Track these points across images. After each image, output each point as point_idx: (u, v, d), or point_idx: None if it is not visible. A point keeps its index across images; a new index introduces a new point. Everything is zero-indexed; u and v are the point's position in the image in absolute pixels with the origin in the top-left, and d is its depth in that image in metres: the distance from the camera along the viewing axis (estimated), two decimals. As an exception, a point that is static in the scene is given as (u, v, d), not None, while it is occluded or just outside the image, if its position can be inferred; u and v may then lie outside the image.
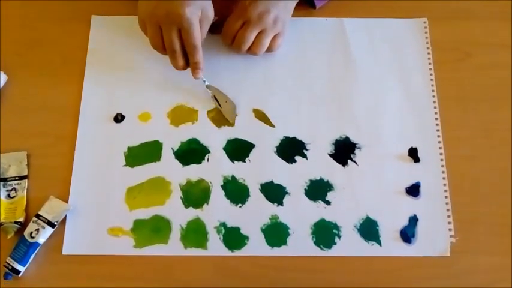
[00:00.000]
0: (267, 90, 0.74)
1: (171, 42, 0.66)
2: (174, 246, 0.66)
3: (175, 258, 0.66)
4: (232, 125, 0.72)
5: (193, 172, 0.70)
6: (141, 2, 0.67)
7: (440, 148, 0.71)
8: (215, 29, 0.73)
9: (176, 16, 0.63)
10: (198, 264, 0.65)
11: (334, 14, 0.78)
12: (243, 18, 0.71)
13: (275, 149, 0.71)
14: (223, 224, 0.67)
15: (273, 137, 0.72)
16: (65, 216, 0.67)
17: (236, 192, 0.69)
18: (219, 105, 0.72)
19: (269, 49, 0.73)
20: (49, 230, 0.65)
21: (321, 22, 0.77)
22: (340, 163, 0.70)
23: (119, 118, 0.72)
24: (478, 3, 0.79)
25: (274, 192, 0.69)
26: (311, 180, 0.69)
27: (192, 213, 0.68)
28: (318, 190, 0.69)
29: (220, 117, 0.73)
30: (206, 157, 0.70)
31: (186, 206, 0.68)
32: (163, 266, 0.65)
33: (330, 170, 0.70)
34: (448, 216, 0.67)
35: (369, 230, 0.67)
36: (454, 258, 0.66)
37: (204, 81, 0.72)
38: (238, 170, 0.70)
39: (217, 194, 0.69)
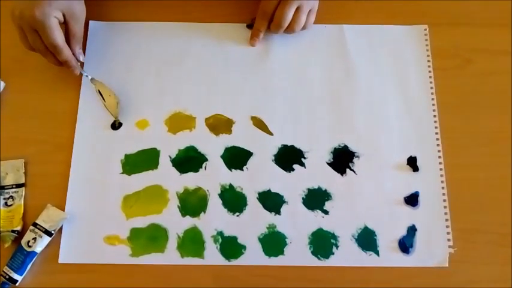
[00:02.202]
0: (265, 98, 0.73)
1: (33, 42, 0.67)
2: (170, 255, 0.66)
3: (171, 267, 0.65)
4: (116, 117, 0.72)
5: (190, 180, 0.69)
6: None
7: (439, 157, 0.70)
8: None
9: (28, 18, 0.65)
10: (195, 273, 0.65)
11: (334, 21, 0.77)
12: None
13: (273, 157, 0.70)
14: (220, 233, 0.67)
15: (271, 145, 0.71)
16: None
17: (233, 200, 0.68)
18: (103, 99, 0.72)
19: (303, 26, 0.73)
20: (46, 239, 0.65)
21: (320, 29, 0.76)
22: (338, 172, 0.70)
23: (116, 125, 0.72)
24: (479, 9, 0.78)
25: (271, 201, 0.68)
26: (309, 189, 0.69)
27: (189, 221, 0.67)
28: (315, 199, 0.68)
29: (219, 125, 0.72)
30: (203, 165, 0.70)
31: (183, 215, 0.68)
32: (159, 275, 0.65)
33: (328, 179, 0.69)
34: (447, 227, 0.67)
35: (367, 240, 0.67)
36: (452, 268, 0.65)
37: (87, 76, 0.73)
38: (236, 178, 0.69)
39: (215, 203, 0.68)
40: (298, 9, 0.71)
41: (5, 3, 0.78)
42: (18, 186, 0.68)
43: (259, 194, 0.69)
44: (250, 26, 0.76)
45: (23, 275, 0.64)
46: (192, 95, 0.73)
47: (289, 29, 0.73)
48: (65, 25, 0.69)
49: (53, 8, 0.65)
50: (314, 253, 0.66)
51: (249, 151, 0.71)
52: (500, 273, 0.66)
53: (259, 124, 0.72)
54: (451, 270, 0.65)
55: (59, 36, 0.67)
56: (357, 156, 0.70)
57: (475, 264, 0.66)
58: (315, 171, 0.70)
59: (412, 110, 0.73)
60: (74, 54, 0.70)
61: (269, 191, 0.69)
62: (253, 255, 0.66)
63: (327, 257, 0.66)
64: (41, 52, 0.69)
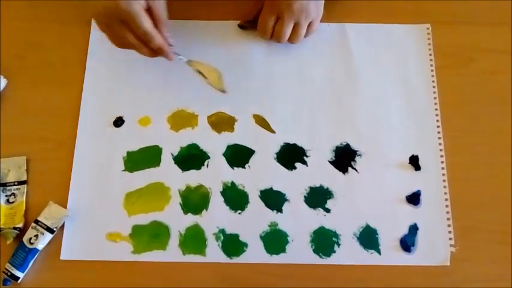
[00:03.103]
0: (267, 96, 0.73)
1: (124, 36, 0.64)
2: (172, 253, 0.66)
3: (173, 264, 0.66)
4: (222, 91, 0.71)
5: (192, 178, 0.69)
6: (87, 3, 0.65)
7: (441, 156, 0.70)
8: (249, 24, 0.76)
9: (114, 11, 0.61)
10: (196, 271, 0.65)
11: (337, 19, 0.77)
12: (275, 12, 0.71)
13: (275, 156, 0.70)
14: (222, 231, 0.67)
15: (273, 143, 0.71)
16: (64, 221, 0.67)
17: (235, 198, 0.68)
18: (205, 77, 0.71)
19: (305, 35, 0.74)
20: (48, 236, 0.65)
21: (323, 27, 0.76)
22: (340, 170, 0.70)
23: (118, 122, 0.72)
24: (481, 8, 0.78)
25: (273, 199, 0.68)
26: (311, 188, 0.69)
27: (191, 219, 0.67)
28: (317, 197, 0.68)
29: (221, 122, 0.72)
30: (206, 163, 0.70)
31: (185, 212, 0.68)
32: (161, 272, 0.65)
33: (330, 177, 0.69)
34: (449, 226, 0.67)
35: (368, 238, 0.67)
36: (454, 267, 0.65)
37: (181, 59, 0.70)
38: (238, 176, 0.69)
39: (217, 200, 0.68)
40: (296, 25, 0.72)
41: (5, 3, 0.78)
42: (20, 183, 0.68)
43: (261, 192, 0.69)
44: (242, 27, 0.77)
45: (25, 272, 0.64)
46: (194, 92, 0.73)
47: (289, 42, 0.74)
48: (148, 12, 0.64)
49: None
50: (316, 251, 0.66)
51: (251, 149, 0.71)
52: (501, 271, 0.66)
53: (262, 122, 0.72)
54: (453, 269, 0.65)
55: (148, 22, 0.63)
56: (359, 155, 0.70)
57: (477, 262, 0.66)
58: (317, 170, 0.70)
59: (414, 109, 0.73)
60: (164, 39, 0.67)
61: (271, 189, 0.69)
62: (255, 253, 0.66)
63: (329, 255, 0.66)
64: (133, 45, 0.65)
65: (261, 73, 0.75)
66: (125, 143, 0.71)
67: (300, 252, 0.66)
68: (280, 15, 0.71)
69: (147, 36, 0.64)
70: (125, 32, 0.63)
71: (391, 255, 0.66)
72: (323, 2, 0.72)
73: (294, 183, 0.69)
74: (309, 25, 0.73)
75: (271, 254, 0.66)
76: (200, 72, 0.71)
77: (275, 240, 0.67)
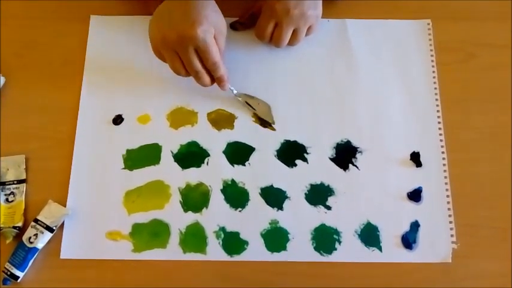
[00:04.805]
0: (267, 93, 0.73)
1: (191, 64, 0.65)
2: (172, 251, 0.66)
3: (174, 262, 0.65)
4: (273, 123, 0.71)
5: (192, 176, 0.69)
6: (150, 30, 0.66)
7: (443, 152, 0.70)
8: (241, 25, 0.76)
9: (190, 38, 0.62)
10: (197, 269, 0.65)
11: (337, 15, 0.77)
12: (274, 19, 0.71)
13: (275, 153, 0.70)
14: (223, 229, 0.67)
15: (273, 140, 0.71)
16: (63, 220, 0.66)
17: (236, 196, 0.68)
18: (254, 109, 0.72)
19: (305, 36, 0.74)
20: (48, 235, 0.64)
21: (323, 23, 0.76)
22: (341, 167, 0.69)
23: (118, 120, 0.72)
24: (482, 3, 0.78)
25: (274, 197, 0.68)
26: (311, 185, 0.69)
27: (191, 217, 0.67)
28: (318, 195, 0.68)
29: (221, 120, 0.72)
30: (206, 160, 0.70)
31: (185, 210, 0.67)
32: (161, 270, 0.65)
33: (331, 175, 0.69)
34: (450, 222, 0.67)
35: (369, 235, 0.66)
36: (455, 264, 0.65)
37: (232, 90, 0.71)
38: (238, 173, 0.69)
39: (217, 198, 0.68)
40: (295, 30, 0.72)
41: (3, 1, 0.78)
42: (19, 182, 0.68)
43: (262, 189, 0.68)
44: (233, 27, 0.76)
45: (25, 271, 0.63)
46: (194, 90, 0.72)
47: (288, 45, 0.73)
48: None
49: (209, 25, 0.63)
50: (317, 249, 0.66)
51: (251, 146, 0.70)
52: (503, 268, 0.65)
53: (261, 120, 0.72)
54: (455, 266, 0.65)
55: (218, 53, 0.65)
56: (360, 152, 0.70)
57: (479, 259, 0.65)
58: (318, 167, 0.69)
59: (415, 105, 0.72)
60: None
61: (271, 186, 0.69)
62: (256, 251, 0.66)
63: (330, 253, 0.66)
64: (196, 73, 0.66)
65: (261, 69, 0.74)
66: (124, 141, 0.71)
67: (300, 249, 0.66)
68: (278, 22, 0.71)
69: (215, 66, 0.65)
70: (194, 60, 0.64)
71: (392, 252, 0.66)
72: (321, 6, 0.72)
73: (294, 181, 0.69)
74: (308, 28, 0.73)
75: (272, 251, 0.66)
76: (248, 104, 0.72)
77: (276, 238, 0.66)
